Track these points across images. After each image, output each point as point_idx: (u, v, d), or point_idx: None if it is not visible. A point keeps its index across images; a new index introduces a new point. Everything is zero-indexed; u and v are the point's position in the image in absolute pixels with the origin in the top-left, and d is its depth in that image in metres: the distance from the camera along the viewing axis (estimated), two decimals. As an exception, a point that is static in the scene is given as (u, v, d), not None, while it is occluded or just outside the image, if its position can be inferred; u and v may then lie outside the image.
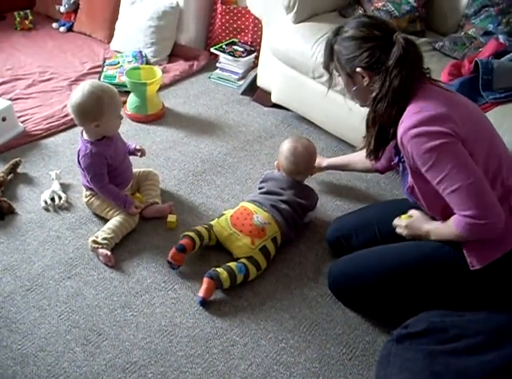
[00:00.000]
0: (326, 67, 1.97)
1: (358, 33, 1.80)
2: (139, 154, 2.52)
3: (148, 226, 2.42)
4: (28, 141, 2.87)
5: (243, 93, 3.41)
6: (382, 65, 1.75)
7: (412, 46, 1.75)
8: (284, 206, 2.31)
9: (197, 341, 1.99)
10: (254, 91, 3.36)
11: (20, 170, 2.66)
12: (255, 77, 3.33)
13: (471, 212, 1.69)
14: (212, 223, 2.31)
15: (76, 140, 2.87)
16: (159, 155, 2.82)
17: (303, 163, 2.41)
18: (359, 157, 2.37)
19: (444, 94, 1.81)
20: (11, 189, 2.56)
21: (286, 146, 2.42)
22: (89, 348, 1.95)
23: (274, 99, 3.18)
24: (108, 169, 2.32)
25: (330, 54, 1.90)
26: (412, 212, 2.01)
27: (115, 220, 2.32)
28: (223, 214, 2.34)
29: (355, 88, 1.89)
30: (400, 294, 1.99)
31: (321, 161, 2.58)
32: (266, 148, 2.93)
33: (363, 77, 1.83)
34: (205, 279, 2.11)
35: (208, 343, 1.99)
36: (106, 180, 2.32)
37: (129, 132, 2.98)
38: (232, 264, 2.15)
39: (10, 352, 1.92)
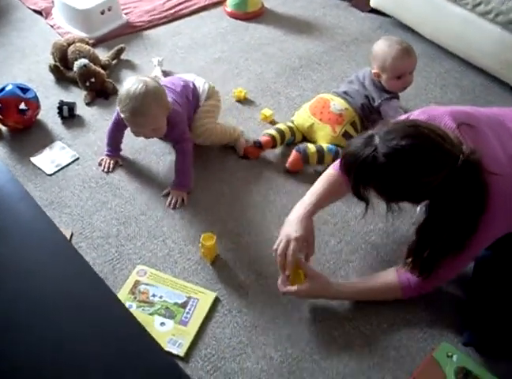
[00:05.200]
0: None
1: None
2: None
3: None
4: (131, 31, 2.95)
5: (342, -4, 3.35)
6: None
7: None
8: (355, 94, 2.31)
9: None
10: (352, -4, 3.30)
11: (123, 57, 2.76)
12: (355, -19, 3.26)
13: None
14: (292, 118, 2.36)
15: (176, 32, 2.96)
16: (257, 50, 2.84)
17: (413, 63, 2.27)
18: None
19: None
20: (115, 73, 2.67)
21: (394, 46, 2.23)
22: (186, 215, 2.06)
23: (373, 3, 3.12)
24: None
25: None
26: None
27: None
28: (300, 107, 2.39)
29: None
30: None
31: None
32: (362, 50, 2.88)
33: None
34: (293, 152, 2.19)
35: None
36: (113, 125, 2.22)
37: (228, 27, 3.02)
38: (324, 145, 2.20)
39: (114, 213, 2.06)
